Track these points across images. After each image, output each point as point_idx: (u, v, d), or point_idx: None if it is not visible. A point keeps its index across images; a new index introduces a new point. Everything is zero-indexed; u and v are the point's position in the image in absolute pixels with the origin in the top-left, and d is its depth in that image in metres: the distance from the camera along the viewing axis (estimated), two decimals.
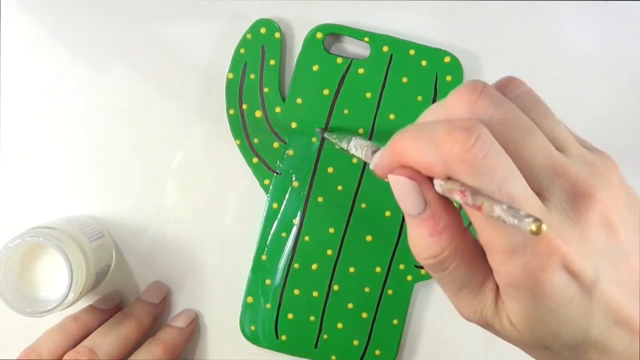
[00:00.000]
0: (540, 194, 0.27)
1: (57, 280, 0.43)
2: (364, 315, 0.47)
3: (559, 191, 0.27)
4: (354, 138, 0.37)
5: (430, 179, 0.28)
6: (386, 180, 0.29)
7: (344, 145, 0.38)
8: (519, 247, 0.26)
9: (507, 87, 0.30)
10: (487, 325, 0.30)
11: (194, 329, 0.48)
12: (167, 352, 0.45)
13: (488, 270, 0.28)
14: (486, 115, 0.27)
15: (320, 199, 0.47)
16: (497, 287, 0.28)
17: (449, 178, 0.27)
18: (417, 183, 0.27)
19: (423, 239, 0.28)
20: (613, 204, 0.27)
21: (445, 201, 0.28)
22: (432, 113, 0.29)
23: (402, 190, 0.28)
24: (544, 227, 0.22)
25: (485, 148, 0.25)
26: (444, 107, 0.28)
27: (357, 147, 0.35)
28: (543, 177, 0.27)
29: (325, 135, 0.45)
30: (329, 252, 0.47)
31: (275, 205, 0.47)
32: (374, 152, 0.32)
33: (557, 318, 0.27)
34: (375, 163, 0.30)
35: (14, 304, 0.41)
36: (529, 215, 0.23)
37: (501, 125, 0.27)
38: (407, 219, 0.29)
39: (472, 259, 0.28)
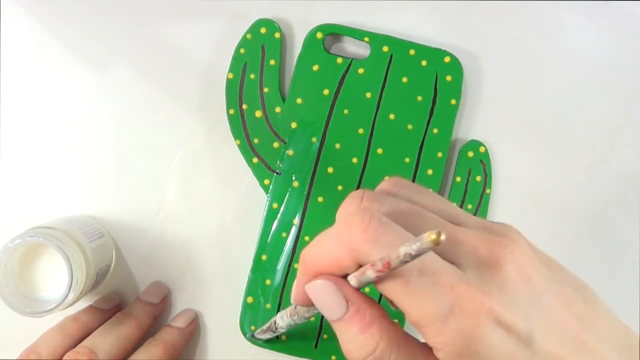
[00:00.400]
0: (450, 262, 0.27)
1: (57, 280, 0.43)
2: None
3: (466, 256, 0.27)
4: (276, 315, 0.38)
5: (345, 278, 0.28)
6: (308, 306, 0.30)
7: (271, 327, 0.39)
8: (447, 312, 0.26)
9: (388, 188, 0.31)
10: None
11: (194, 329, 0.48)
12: (167, 352, 0.45)
13: (427, 354, 0.28)
14: (370, 208, 0.28)
15: (320, 199, 0.47)
16: None
17: (359, 267, 0.27)
18: (333, 282, 0.28)
19: (355, 340, 0.28)
20: (525, 258, 0.28)
21: (365, 295, 0.28)
22: (327, 229, 0.29)
23: (322, 296, 0.28)
24: (442, 235, 0.23)
25: (382, 223, 0.27)
26: (335, 224, 0.29)
27: (281, 316, 0.36)
28: (445, 250, 0.27)
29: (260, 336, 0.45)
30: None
31: (275, 205, 0.47)
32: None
33: None
34: (293, 294, 0.31)
35: (14, 304, 0.41)
36: (426, 233, 0.23)
37: (390, 214, 0.28)
38: (334, 327, 0.29)
39: (408, 346, 0.28)
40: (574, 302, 0.28)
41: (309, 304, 0.30)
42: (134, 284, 0.49)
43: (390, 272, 0.26)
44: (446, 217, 0.29)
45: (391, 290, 0.27)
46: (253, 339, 0.46)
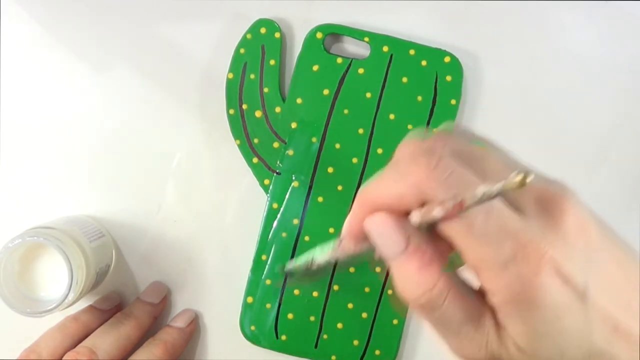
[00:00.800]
0: (515, 207, 0.27)
1: (57, 280, 0.43)
2: (364, 315, 0.47)
3: (531, 202, 0.27)
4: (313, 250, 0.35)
5: (406, 217, 0.28)
6: (358, 246, 0.29)
7: (308, 262, 0.36)
8: (508, 258, 0.26)
9: (446, 137, 0.30)
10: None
11: (194, 329, 0.48)
12: (167, 352, 0.45)
13: (482, 302, 0.28)
14: (436, 148, 0.28)
15: (320, 199, 0.47)
16: (495, 318, 0.28)
17: (422, 205, 0.27)
18: (394, 218, 0.27)
19: (412, 276, 0.27)
20: (584, 211, 0.28)
21: (426, 234, 0.28)
22: (390, 166, 0.29)
23: (382, 231, 0.28)
24: (529, 177, 0.23)
25: (451, 165, 0.26)
26: (396, 162, 0.29)
27: (321, 251, 0.34)
28: (509, 195, 0.27)
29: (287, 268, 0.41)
30: None
31: (275, 205, 0.47)
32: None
33: (560, 331, 0.27)
34: (346, 228, 0.30)
35: (14, 304, 0.41)
36: (512, 173, 0.23)
37: (455, 157, 0.27)
38: (391, 264, 0.28)
39: (464, 292, 0.28)
40: (626, 264, 0.28)
41: (361, 239, 0.29)
42: (134, 284, 0.49)
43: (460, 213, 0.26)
44: (505, 163, 0.29)
45: (454, 231, 0.27)
46: (281, 274, 0.45)
